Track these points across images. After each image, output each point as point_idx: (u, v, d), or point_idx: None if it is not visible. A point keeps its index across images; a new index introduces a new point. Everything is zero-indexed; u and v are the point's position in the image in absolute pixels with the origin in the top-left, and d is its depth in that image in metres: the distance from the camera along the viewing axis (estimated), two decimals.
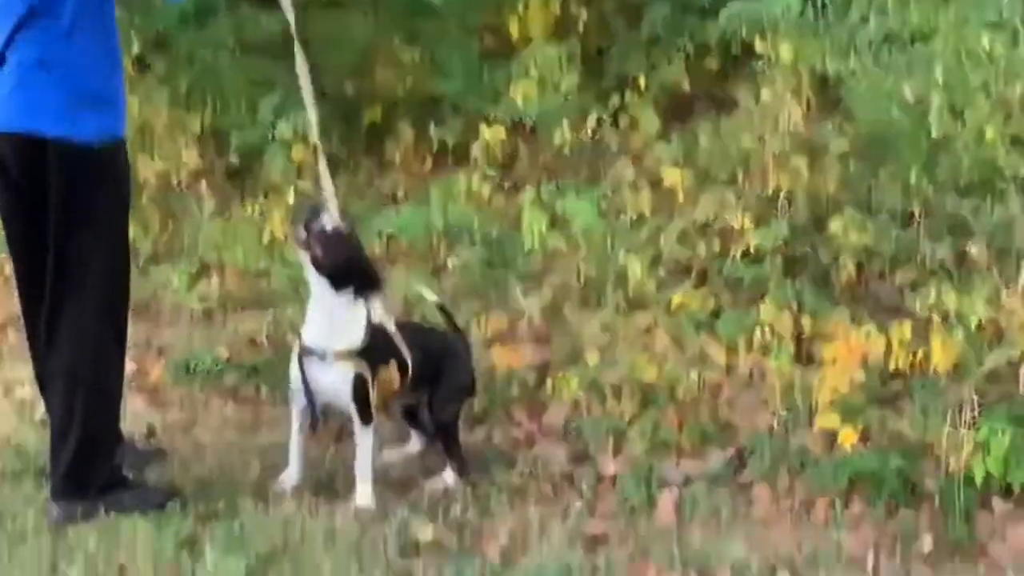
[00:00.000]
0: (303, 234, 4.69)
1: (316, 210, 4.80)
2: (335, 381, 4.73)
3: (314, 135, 5.09)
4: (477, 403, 5.41)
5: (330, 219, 4.74)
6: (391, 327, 4.83)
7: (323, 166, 4.97)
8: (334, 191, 4.94)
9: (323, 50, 7.13)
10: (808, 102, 6.94)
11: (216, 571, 4.31)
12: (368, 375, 4.72)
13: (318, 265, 4.68)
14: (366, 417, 4.76)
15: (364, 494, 4.75)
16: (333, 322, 4.72)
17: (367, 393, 4.73)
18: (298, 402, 4.83)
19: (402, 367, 4.83)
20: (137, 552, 4.44)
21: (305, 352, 4.74)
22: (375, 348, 4.76)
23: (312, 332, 4.75)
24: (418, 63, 7.78)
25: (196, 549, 4.47)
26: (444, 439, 4.98)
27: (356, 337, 4.72)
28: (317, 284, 4.72)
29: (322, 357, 4.71)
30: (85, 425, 4.64)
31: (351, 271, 4.71)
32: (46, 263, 4.53)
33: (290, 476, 4.88)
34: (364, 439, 4.77)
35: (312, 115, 5.00)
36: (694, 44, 7.47)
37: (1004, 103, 5.83)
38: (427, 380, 4.94)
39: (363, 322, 4.74)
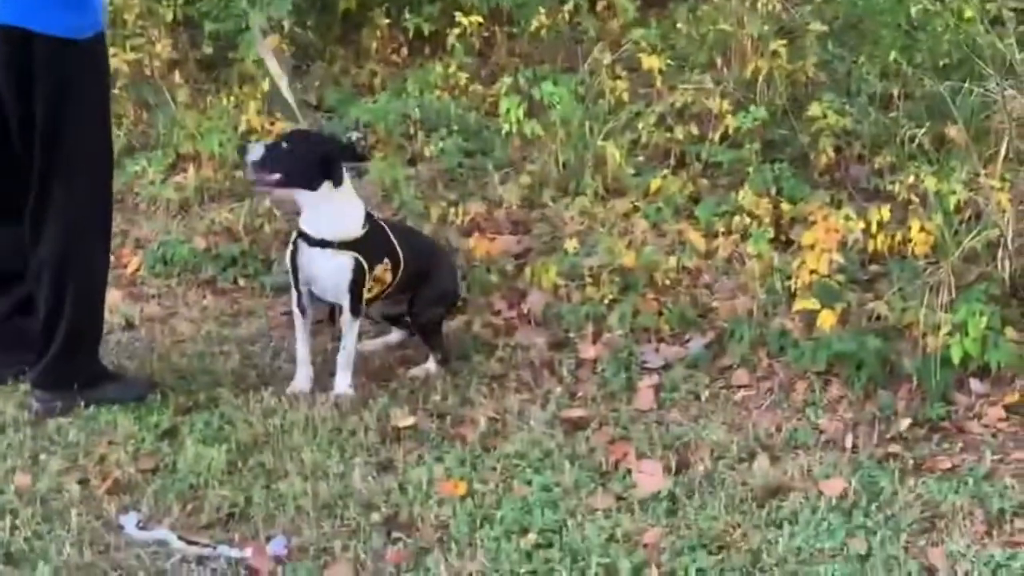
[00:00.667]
0: (250, 173, 4.77)
1: (243, 147, 4.86)
2: (335, 270, 4.72)
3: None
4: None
5: (259, 149, 4.73)
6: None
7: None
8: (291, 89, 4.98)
9: None
10: None
11: (197, 461, 4.31)
12: (366, 266, 4.72)
13: (280, 185, 4.74)
14: (356, 308, 4.77)
15: (343, 383, 4.76)
16: (329, 213, 4.72)
17: (363, 283, 4.73)
18: (299, 303, 4.84)
19: (395, 265, 4.83)
20: (117, 443, 4.45)
21: (305, 240, 4.74)
22: (372, 242, 4.75)
23: (310, 223, 4.74)
24: None
25: (177, 440, 4.48)
26: (425, 338, 4.98)
27: (355, 227, 4.73)
28: (299, 196, 4.76)
29: (322, 246, 4.71)
30: (72, 319, 4.63)
31: (309, 171, 4.70)
32: (26, 159, 4.50)
33: (300, 381, 4.85)
34: (351, 329, 4.78)
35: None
36: None
37: None
38: (413, 283, 4.92)
39: (360, 212, 4.76)
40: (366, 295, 4.78)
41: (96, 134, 4.61)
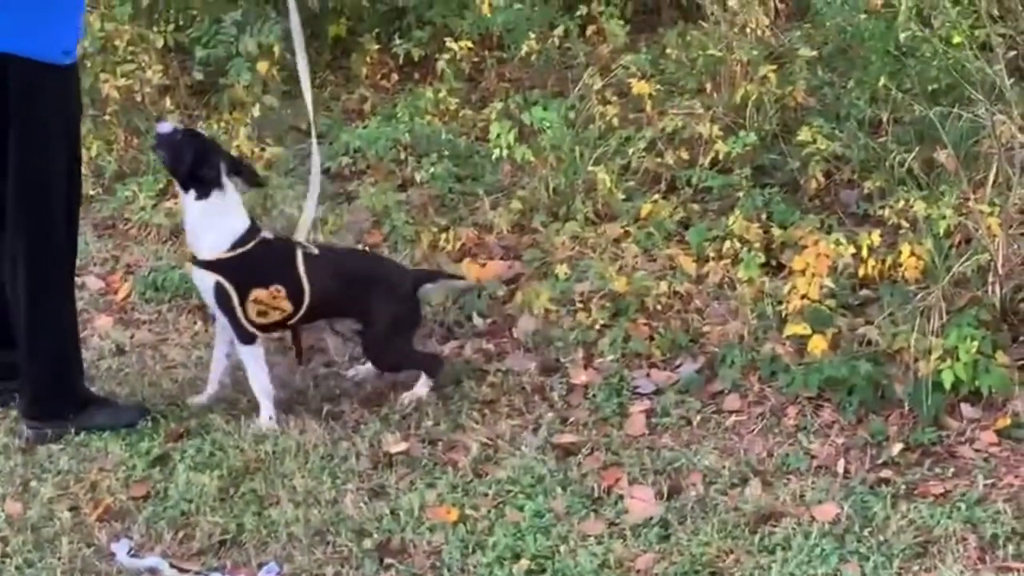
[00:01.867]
0: (156, 142, 4.85)
1: (161, 118, 5.07)
2: (202, 288, 4.76)
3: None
4: (449, 316, 5.41)
5: (168, 124, 4.84)
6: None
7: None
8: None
9: None
10: (775, 9, 6.92)
11: (188, 488, 4.32)
12: (230, 289, 4.66)
13: (167, 167, 4.84)
14: (240, 334, 4.73)
15: (264, 415, 4.73)
16: (197, 227, 4.73)
17: (230, 306, 4.68)
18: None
19: (293, 292, 4.72)
20: (109, 470, 4.44)
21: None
22: (247, 265, 4.70)
23: (187, 233, 4.82)
24: None
25: (168, 466, 4.47)
26: (396, 371, 4.93)
27: (217, 246, 4.70)
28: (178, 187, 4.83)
29: (193, 261, 4.76)
30: (55, 345, 4.64)
31: (187, 173, 4.72)
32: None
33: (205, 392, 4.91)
34: (247, 358, 4.76)
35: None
36: None
37: (971, 7, 5.80)
38: (352, 312, 4.87)
39: (230, 233, 4.71)
40: (259, 320, 4.71)
41: (66, 160, 4.61)
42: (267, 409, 4.73)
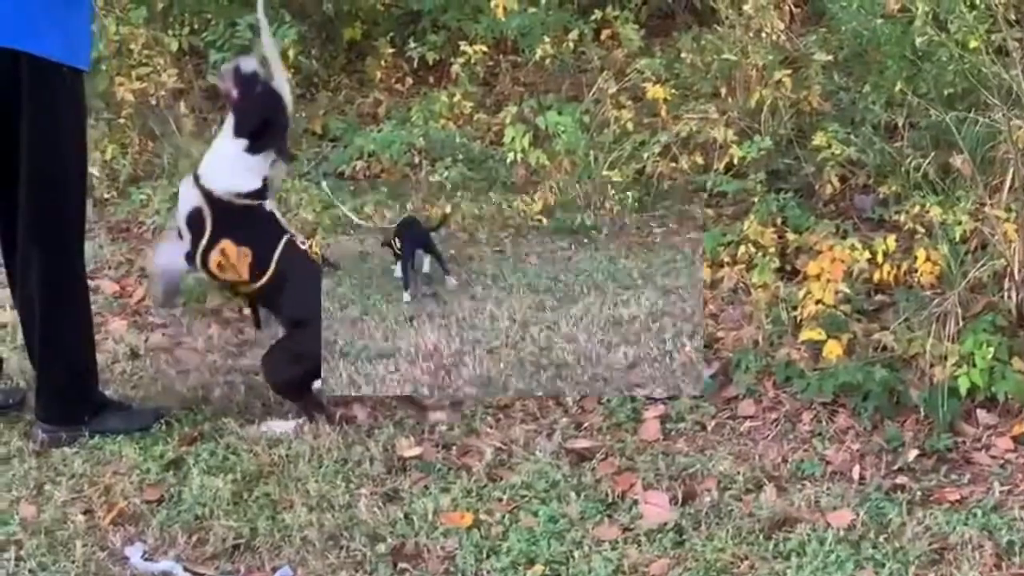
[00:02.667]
0: (227, 75, 4.78)
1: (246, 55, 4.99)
2: (183, 198, 4.76)
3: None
4: None
5: (254, 64, 4.79)
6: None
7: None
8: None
9: None
10: (791, 14, 6.92)
11: (202, 492, 4.31)
12: (208, 222, 4.68)
13: (232, 102, 4.76)
14: (193, 250, 4.73)
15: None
16: (219, 159, 4.75)
17: (199, 228, 4.70)
18: None
19: (256, 264, 4.71)
20: (123, 473, 4.44)
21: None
22: (235, 218, 4.71)
23: (209, 157, 4.80)
24: None
25: (182, 470, 4.47)
26: (284, 397, 4.83)
27: (223, 185, 4.70)
28: (228, 120, 4.78)
29: (195, 180, 4.74)
30: (71, 348, 4.64)
31: (251, 130, 4.71)
32: (12, 187, 4.51)
33: None
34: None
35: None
36: None
37: (988, 12, 5.79)
38: (282, 318, 4.81)
39: (243, 186, 4.70)
40: (216, 271, 4.72)
41: (76, 159, 4.62)
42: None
